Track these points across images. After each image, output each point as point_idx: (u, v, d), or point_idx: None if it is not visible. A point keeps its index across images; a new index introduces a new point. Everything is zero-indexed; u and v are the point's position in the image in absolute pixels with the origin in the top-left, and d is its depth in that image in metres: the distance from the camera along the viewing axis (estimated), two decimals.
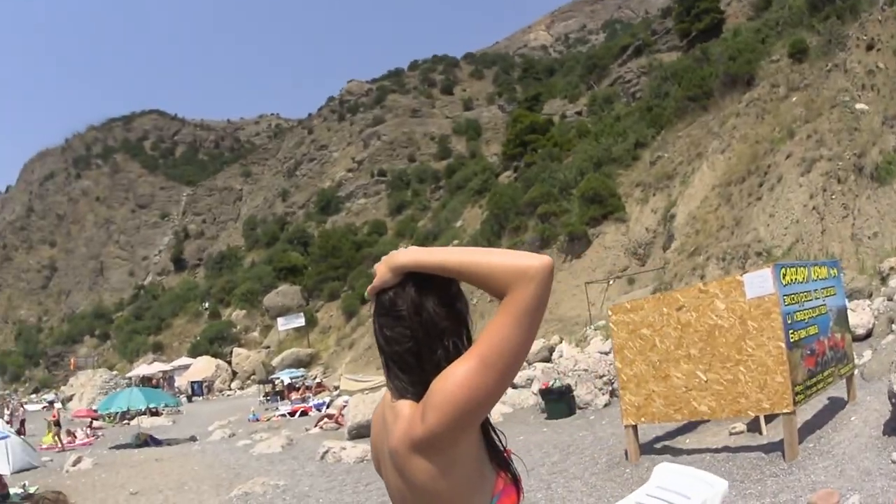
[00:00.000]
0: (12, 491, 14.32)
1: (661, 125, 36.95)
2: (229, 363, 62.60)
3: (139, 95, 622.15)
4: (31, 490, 14.47)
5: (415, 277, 1.59)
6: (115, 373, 76.38)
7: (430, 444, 1.51)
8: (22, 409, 42.81)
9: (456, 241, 48.83)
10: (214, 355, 65.29)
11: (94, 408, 38.52)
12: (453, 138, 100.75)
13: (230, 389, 58.15)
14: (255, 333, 73.94)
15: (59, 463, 19.29)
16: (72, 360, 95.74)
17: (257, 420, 28.23)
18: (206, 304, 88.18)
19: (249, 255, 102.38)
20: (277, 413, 29.83)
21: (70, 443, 26.12)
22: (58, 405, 60.65)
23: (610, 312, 9.12)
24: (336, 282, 65.82)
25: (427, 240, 56.96)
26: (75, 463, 18.35)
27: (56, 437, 24.98)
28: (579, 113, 63.30)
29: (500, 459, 1.59)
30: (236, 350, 65.33)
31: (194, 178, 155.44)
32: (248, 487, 11.83)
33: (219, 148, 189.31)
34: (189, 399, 53.21)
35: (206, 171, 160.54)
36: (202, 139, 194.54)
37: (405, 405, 1.57)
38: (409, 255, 1.60)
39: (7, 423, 31.82)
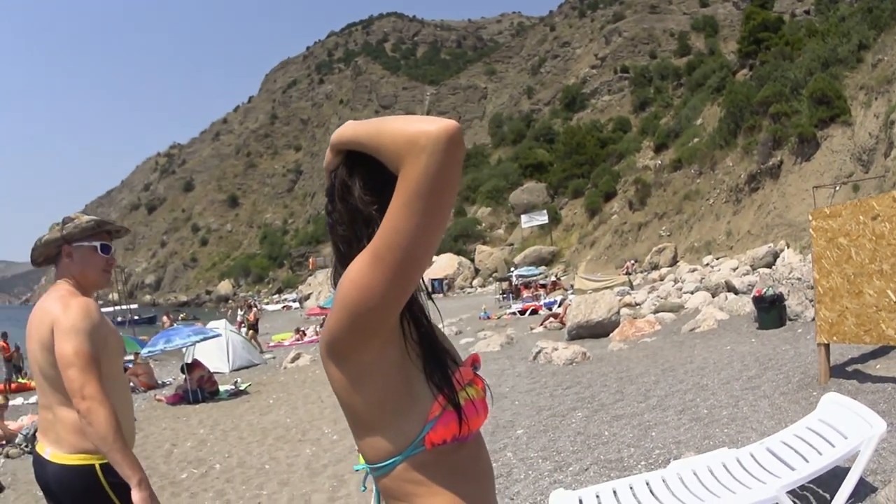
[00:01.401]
0: (223, 388, 15.94)
1: (881, 27, 36.59)
2: (472, 260, 67.14)
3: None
4: (243, 387, 16.31)
5: (349, 157, 1.45)
6: None
7: (334, 349, 1.42)
8: (255, 308, 46.55)
9: (696, 139, 50.27)
10: (459, 252, 69.96)
11: (321, 305, 41.71)
12: (692, 34, 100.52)
13: (471, 287, 61.96)
14: (500, 231, 77.77)
15: (279, 361, 20.99)
16: (311, 260, 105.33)
17: (488, 318, 28.71)
18: None
19: (496, 153, 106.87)
20: (508, 311, 30.20)
21: (299, 340, 28.77)
22: (294, 304, 68.30)
23: (810, 217, 8.65)
24: (580, 179, 68.13)
25: (668, 137, 58.70)
26: (294, 360, 19.82)
27: (254, 341, 25.61)
28: (807, 12, 62.65)
29: (440, 382, 1.42)
30: (480, 247, 69.50)
31: (437, 77, 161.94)
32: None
33: (461, 47, 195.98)
34: (429, 296, 57.80)
35: (448, 70, 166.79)
36: (443, 39, 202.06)
37: None
38: (339, 130, 1.45)
39: (239, 323, 37.01)
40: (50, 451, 2.94)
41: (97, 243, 3.15)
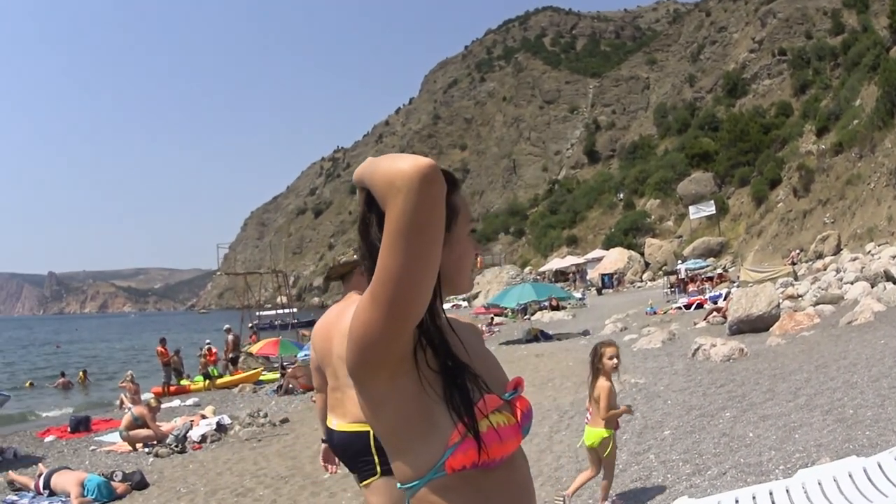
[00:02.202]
0: None
1: None
2: (642, 254, 68.53)
3: None
4: None
5: (369, 193, 1.55)
6: (528, 268, 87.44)
7: (353, 379, 1.54)
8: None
9: (856, 121, 49.59)
10: (629, 246, 71.54)
11: (485, 304, 44.06)
12: (844, 12, 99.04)
13: (640, 281, 62.72)
14: (669, 223, 79.10)
15: None
16: (478, 259, 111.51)
17: (654, 313, 28.95)
18: (621, 195, 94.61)
19: (662, 143, 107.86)
20: (674, 305, 30.51)
21: None
22: (463, 303, 69.24)
23: None
24: (746, 167, 69.06)
25: (829, 120, 58.25)
26: None
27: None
28: None
29: (459, 410, 1.48)
30: (649, 240, 71.11)
31: (599, 69, 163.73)
32: None
33: (619, 38, 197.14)
34: (599, 292, 57.70)
35: (609, 62, 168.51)
36: (601, 31, 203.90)
37: None
38: (357, 168, 1.58)
39: None
40: (336, 423, 3.80)
41: None
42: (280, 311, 60.69)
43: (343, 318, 3.93)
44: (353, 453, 3.76)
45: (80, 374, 32.96)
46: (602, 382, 6.23)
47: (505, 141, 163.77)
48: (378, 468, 3.66)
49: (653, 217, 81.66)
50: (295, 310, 72.40)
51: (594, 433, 6.30)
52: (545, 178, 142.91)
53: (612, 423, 6.29)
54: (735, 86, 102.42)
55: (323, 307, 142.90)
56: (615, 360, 6.26)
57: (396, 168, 1.40)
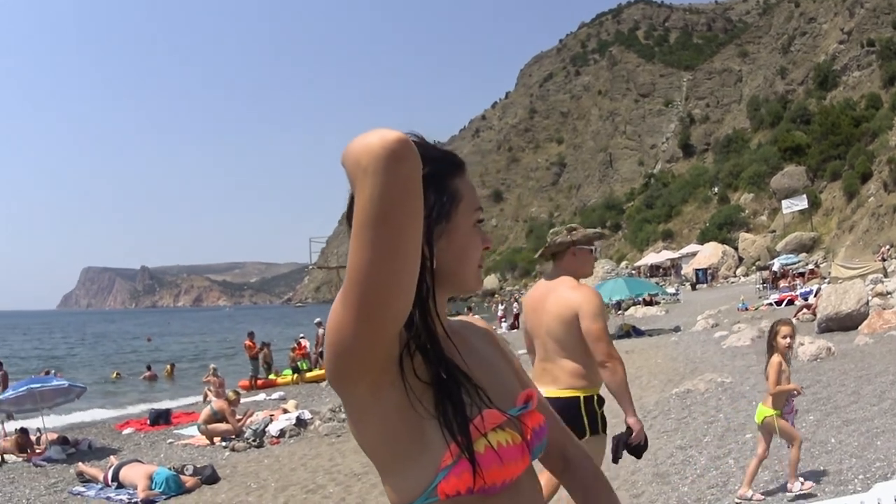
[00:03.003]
0: None
1: None
2: (736, 249, 68.17)
3: None
4: None
5: None
6: (624, 263, 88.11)
7: (333, 388, 1.37)
8: (516, 304, 47.98)
9: None
10: (723, 241, 71.30)
11: None
12: None
13: (734, 276, 62.28)
14: (763, 217, 79.47)
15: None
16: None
17: (746, 309, 28.49)
18: (716, 189, 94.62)
19: (755, 137, 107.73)
20: (765, 302, 30.06)
21: None
22: None
23: None
24: (837, 160, 69.04)
25: None
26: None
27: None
28: None
29: (455, 428, 1.30)
30: (743, 235, 70.88)
31: (692, 62, 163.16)
32: (692, 384, 11.90)
33: (711, 30, 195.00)
34: (693, 287, 57.99)
35: (702, 54, 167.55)
36: (693, 23, 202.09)
37: None
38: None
39: (500, 317, 41.03)
40: (545, 390, 4.13)
41: (591, 247, 4.58)
42: None
43: (550, 295, 4.46)
44: (565, 417, 3.45)
45: (168, 367, 32.82)
46: (773, 359, 6.25)
47: (601, 135, 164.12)
48: (587, 429, 4.21)
49: (746, 211, 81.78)
50: None
51: (761, 410, 6.33)
52: (641, 172, 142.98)
53: (778, 402, 6.25)
54: (825, 78, 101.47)
55: None
56: (788, 340, 6.32)
57: (363, 144, 1.17)
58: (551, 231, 4.72)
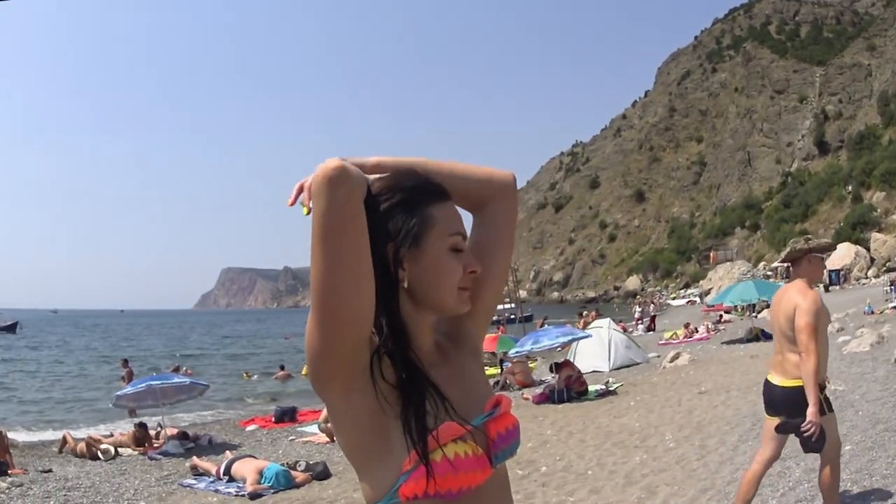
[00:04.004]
0: (592, 388, 16.11)
1: None
2: (868, 249, 67.99)
3: None
4: (613, 387, 16.51)
5: None
6: (762, 263, 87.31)
7: (315, 391, 1.54)
8: (652, 305, 50.07)
9: None
10: (856, 241, 71.08)
11: (706, 303, 44.31)
12: None
13: (866, 278, 61.98)
14: (895, 217, 78.39)
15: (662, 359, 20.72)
16: (712, 255, 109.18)
17: (871, 312, 27.75)
18: (849, 188, 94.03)
19: (886, 133, 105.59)
20: (890, 305, 29.38)
21: (687, 337, 29.48)
22: (697, 299, 68.48)
23: None
24: None
25: None
26: (673, 359, 19.73)
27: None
28: None
29: (415, 437, 1.43)
30: (874, 235, 71.01)
31: (823, 57, 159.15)
32: None
33: (840, 23, 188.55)
34: (826, 289, 56.26)
35: (832, 48, 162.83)
36: (822, 17, 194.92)
37: None
38: None
39: (637, 319, 41.32)
40: (777, 379, 5.08)
41: (823, 255, 5.23)
42: (504, 307, 59.53)
43: (784, 296, 5.17)
44: (790, 404, 5.00)
45: (305, 367, 36.42)
46: None
47: (739, 133, 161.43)
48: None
49: (879, 210, 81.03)
50: (510, 304, 72.72)
51: None
52: (778, 171, 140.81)
53: None
54: None
55: (562, 302, 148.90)
56: None
57: (315, 172, 1.38)
58: (791, 241, 5.48)
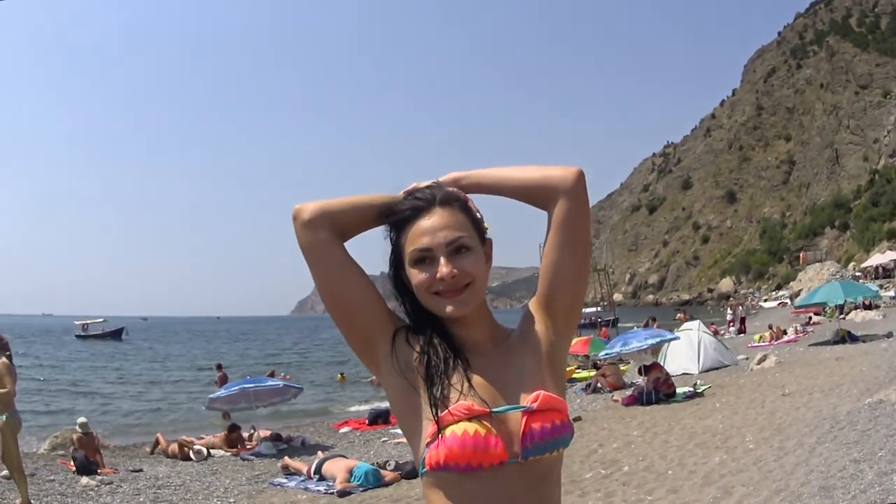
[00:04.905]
0: (681, 390, 16.19)
1: None
2: None
3: None
4: (701, 389, 16.45)
5: None
6: (851, 264, 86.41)
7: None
8: (741, 308, 48.66)
9: None
10: None
11: (795, 304, 42.97)
12: None
13: None
14: None
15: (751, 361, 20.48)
16: (802, 255, 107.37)
17: None
18: None
19: None
20: None
21: (775, 338, 29.62)
22: (788, 301, 67.20)
23: None
24: None
25: None
26: (760, 361, 19.73)
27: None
28: None
29: (435, 413, 1.61)
30: None
31: None
32: (884, 394, 11.58)
33: None
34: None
35: None
36: None
37: None
38: None
39: (729, 321, 41.35)
40: None
41: None
42: (591, 311, 61.22)
43: None
44: None
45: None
46: None
47: (826, 130, 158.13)
48: None
49: None
50: (599, 308, 70.56)
51: None
52: (866, 168, 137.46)
53: None
54: None
55: (657, 305, 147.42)
56: None
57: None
58: None
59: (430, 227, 1.71)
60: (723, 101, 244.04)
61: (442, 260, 1.68)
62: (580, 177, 1.78)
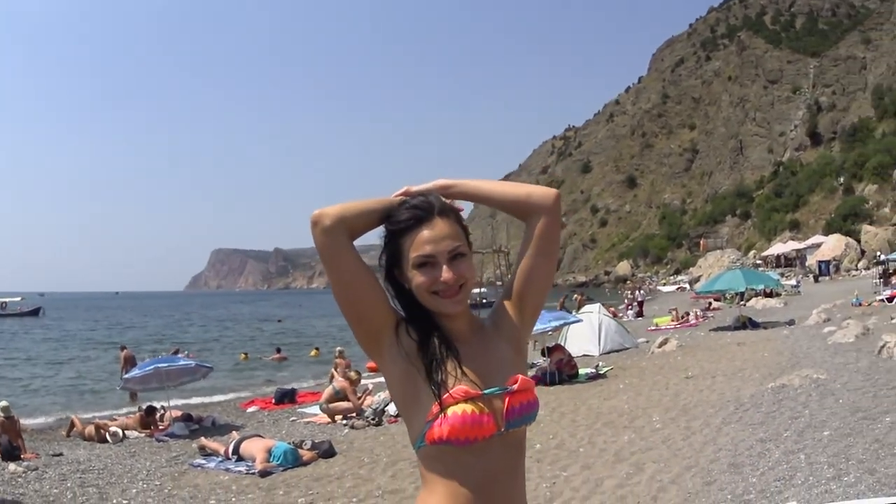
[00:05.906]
0: (583, 371, 16.88)
1: None
2: (859, 241, 68.07)
3: None
4: (603, 371, 17.02)
5: None
6: (752, 252, 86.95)
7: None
8: (639, 292, 49.33)
9: None
10: (847, 233, 70.92)
11: (695, 290, 44.56)
12: None
13: (856, 269, 61.51)
14: (886, 209, 78.39)
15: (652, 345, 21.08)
16: (701, 242, 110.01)
17: (859, 304, 28.08)
18: (841, 180, 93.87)
19: (880, 126, 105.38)
20: (877, 298, 29.51)
21: (676, 322, 30.79)
22: (687, 286, 68.09)
23: None
24: None
25: None
26: (661, 344, 20.27)
27: None
28: None
29: (438, 395, 1.88)
30: (865, 227, 70.98)
31: (818, 48, 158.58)
32: (787, 379, 11.91)
33: (836, 16, 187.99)
34: (816, 279, 56.97)
35: (827, 40, 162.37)
36: (818, 8, 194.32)
37: None
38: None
39: (627, 304, 41.58)
40: None
41: None
42: (481, 290, 59.73)
43: None
44: None
45: (314, 350, 33.34)
46: None
47: (731, 121, 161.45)
48: None
49: (870, 203, 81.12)
50: (484, 289, 70.17)
51: None
52: (770, 160, 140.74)
53: None
54: None
55: (553, 285, 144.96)
56: None
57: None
58: None
59: (433, 236, 1.95)
60: (628, 87, 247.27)
61: (444, 266, 1.93)
62: (558, 198, 2.12)
